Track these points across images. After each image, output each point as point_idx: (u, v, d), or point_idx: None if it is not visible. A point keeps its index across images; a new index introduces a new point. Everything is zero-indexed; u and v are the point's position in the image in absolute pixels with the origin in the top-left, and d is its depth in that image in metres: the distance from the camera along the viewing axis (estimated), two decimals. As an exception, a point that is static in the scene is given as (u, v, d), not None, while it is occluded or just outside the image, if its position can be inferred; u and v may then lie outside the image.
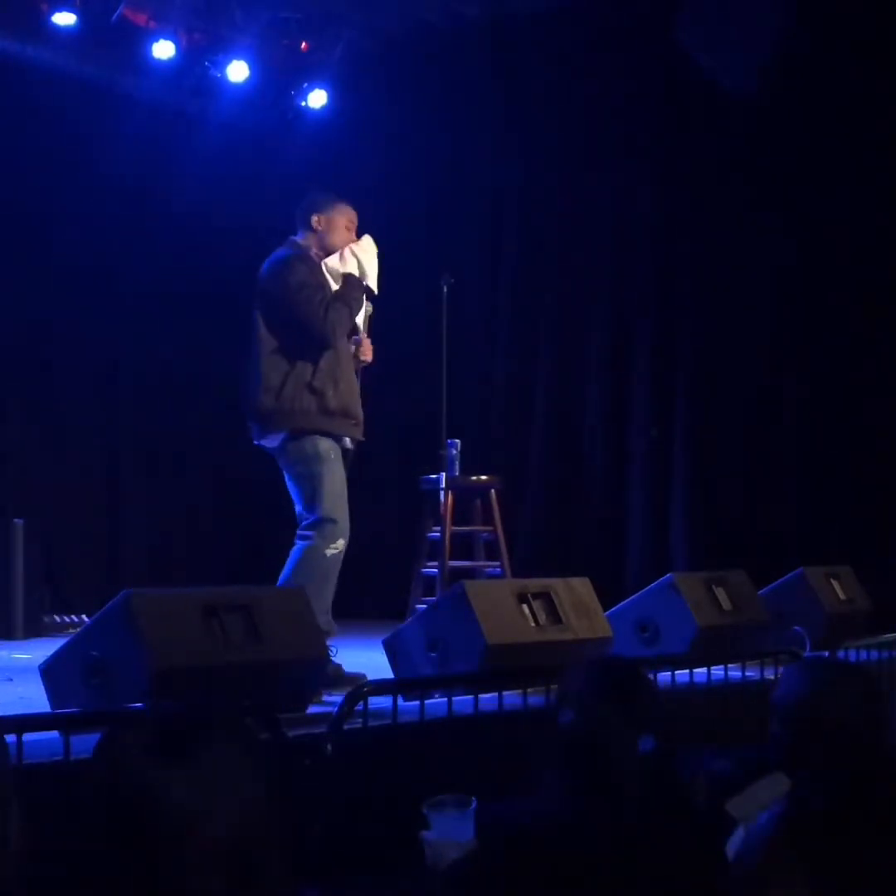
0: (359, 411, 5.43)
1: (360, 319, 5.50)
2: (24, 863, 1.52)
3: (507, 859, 2.22)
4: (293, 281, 5.26)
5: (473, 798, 2.54)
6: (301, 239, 5.45)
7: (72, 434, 8.59)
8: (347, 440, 5.41)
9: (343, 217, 5.44)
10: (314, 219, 5.41)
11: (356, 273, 5.34)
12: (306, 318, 5.23)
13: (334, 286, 5.32)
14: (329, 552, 5.15)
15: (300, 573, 5.09)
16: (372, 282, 5.41)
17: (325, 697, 4.54)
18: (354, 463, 5.53)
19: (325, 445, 5.25)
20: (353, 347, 5.51)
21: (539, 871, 2.17)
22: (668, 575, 5.87)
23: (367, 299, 5.49)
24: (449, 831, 2.48)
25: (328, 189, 5.66)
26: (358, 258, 5.35)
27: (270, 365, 5.26)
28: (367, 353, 5.59)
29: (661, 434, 8.38)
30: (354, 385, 5.43)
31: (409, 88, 9.11)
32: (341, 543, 5.17)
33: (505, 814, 2.47)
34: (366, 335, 5.58)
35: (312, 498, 5.21)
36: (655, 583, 5.83)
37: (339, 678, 4.77)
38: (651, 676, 4.65)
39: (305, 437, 5.24)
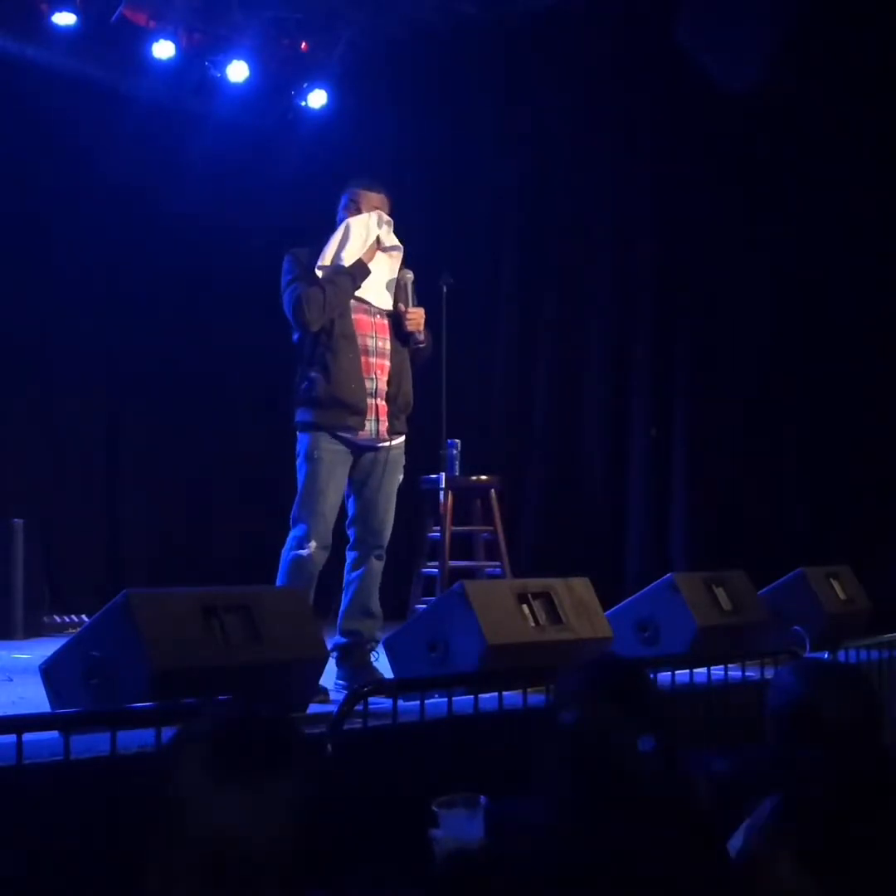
0: (359, 401, 5.10)
1: (379, 290, 5.24)
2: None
3: (506, 860, 2.22)
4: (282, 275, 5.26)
5: (482, 797, 2.54)
6: None
7: (72, 434, 8.59)
8: (364, 433, 5.14)
9: (360, 208, 5.28)
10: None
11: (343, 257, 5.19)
12: (286, 308, 5.19)
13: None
14: (294, 555, 5.06)
15: (280, 575, 5.09)
16: (349, 255, 5.17)
17: (332, 696, 4.60)
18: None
19: (316, 443, 5.10)
20: (379, 321, 5.26)
21: (539, 873, 2.17)
22: (668, 575, 5.87)
23: (404, 266, 5.31)
24: (458, 830, 2.48)
25: (351, 178, 5.41)
26: (347, 236, 5.21)
27: (295, 361, 5.27)
28: (414, 323, 5.29)
29: (660, 434, 8.38)
30: (355, 374, 5.10)
31: (409, 88, 9.12)
32: (313, 546, 5.03)
33: (505, 815, 2.47)
34: (411, 305, 5.29)
35: (297, 494, 5.18)
36: (655, 583, 5.83)
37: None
38: (651, 676, 4.65)
39: (303, 432, 5.17)
